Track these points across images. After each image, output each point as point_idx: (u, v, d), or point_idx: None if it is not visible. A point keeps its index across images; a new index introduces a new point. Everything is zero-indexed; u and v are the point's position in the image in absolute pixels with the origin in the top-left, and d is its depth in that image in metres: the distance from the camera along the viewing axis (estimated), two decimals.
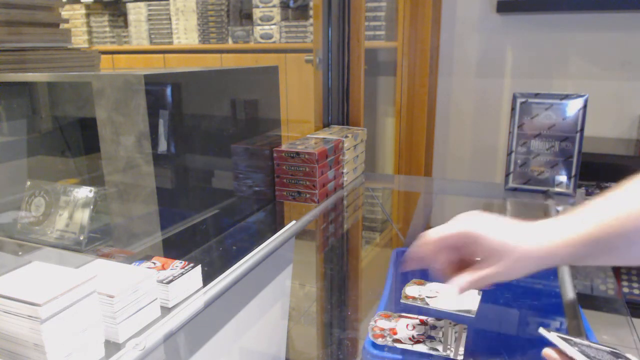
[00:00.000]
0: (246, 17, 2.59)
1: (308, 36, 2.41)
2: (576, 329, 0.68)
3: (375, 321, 0.72)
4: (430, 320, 0.72)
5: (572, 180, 1.16)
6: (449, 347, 0.65)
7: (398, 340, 0.67)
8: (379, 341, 0.67)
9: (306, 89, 2.22)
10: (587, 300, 1.92)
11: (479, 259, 0.59)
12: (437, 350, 0.65)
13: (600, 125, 2.15)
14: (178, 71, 0.95)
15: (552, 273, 0.82)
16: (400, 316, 0.73)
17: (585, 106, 1.13)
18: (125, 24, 2.87)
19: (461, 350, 0.65)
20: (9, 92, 1.04)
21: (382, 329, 0.70)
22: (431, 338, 0.67)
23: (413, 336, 0.68)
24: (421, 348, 0.65)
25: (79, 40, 2.92)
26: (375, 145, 2.44)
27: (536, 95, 1.16)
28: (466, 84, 2.36)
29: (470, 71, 2.34)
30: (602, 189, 2.03)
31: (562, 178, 1.17)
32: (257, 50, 2.52)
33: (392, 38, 2.24)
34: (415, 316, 0.73)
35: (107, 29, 2.90)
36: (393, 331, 0.68)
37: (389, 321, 0.72)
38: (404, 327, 0.70)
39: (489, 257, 0.57)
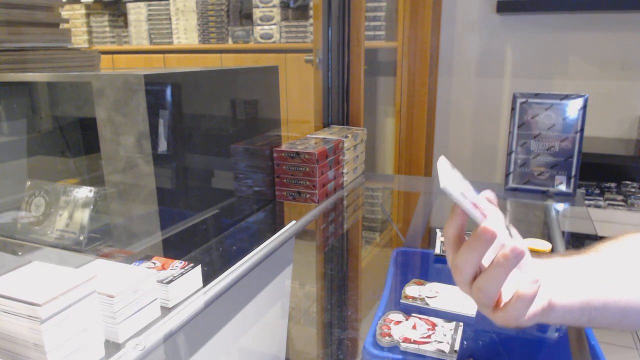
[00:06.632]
0: (246, 17, 2.59)
1: (308, 36, 2.41)
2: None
3: (384, 320, 0.72)
4: (439, 322, 0.72)
5: (572, 180, 1.16)
6: (455, 350, 0.65)
7: (407, 339, 0.67)
8: (386, 340, 0.67)
9: (306, 89, 2.22)
10: None
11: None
12: (443, 352, 0.64)
13: (600, 125, 2.15)
14: (178, 71, 0.95)
15: None
16: (411, 316, 0.73)
17: (585, 106, 1.13)
18: (125, 24, 2.87)
19: (456, 346, 0.65)
20: (9, 92, 1.04)
21: (389, 328, 0.70)
22: (438, 341, 0.67)
23: (419, 337, 0.68)
24: (427, 352, 0.65)
25: (79, 40, 2.92)
26: (375, 145, 2.43)
27: (536, 95, 1.16)
28: (466, 84, 2.36)
29: (470, 71, 2.34)
30: (602, 189, 2.03)
31: (562, 178, 1.17)
32: (257, 50, 2.52)
33: (392, 38, 2.23)
34: (425, 317, 0.73)
35: (107, 29, 2.90)
36: (403, 334, 0.68)
37: (397, 320, 0.72)
38: (411, 327, 0.70)
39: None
